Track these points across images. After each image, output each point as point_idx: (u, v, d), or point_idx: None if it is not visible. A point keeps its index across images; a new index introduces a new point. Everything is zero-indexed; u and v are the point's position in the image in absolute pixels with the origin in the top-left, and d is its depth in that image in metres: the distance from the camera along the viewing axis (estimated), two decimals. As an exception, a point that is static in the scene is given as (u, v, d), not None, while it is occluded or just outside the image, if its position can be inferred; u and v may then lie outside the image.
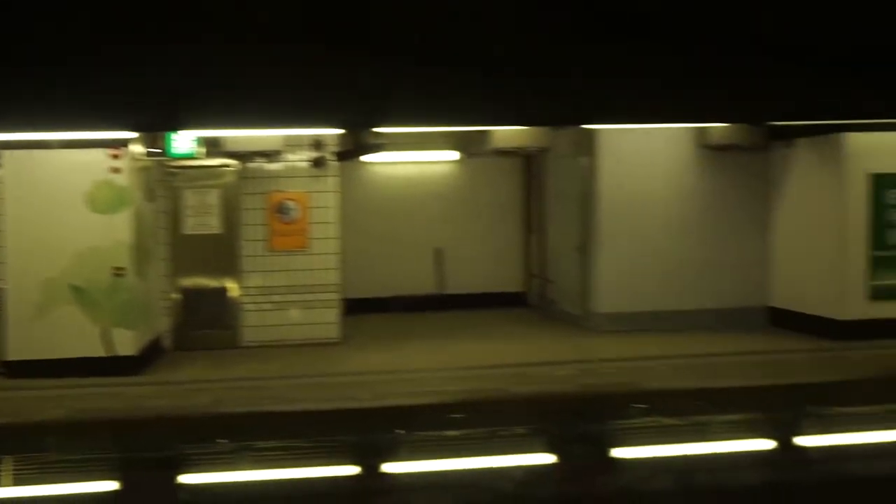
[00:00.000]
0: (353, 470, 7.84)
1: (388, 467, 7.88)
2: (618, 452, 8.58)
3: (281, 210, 11.91)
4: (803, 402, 9.04)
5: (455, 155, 14.68)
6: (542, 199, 14.72)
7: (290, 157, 11.93)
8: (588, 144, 12.52)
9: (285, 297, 11.86)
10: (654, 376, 9.77)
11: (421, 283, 14.73)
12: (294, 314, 11.87)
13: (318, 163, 11.93)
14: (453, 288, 14.75)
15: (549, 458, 8.37)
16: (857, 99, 8.13)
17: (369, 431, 8.44)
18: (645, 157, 12.54)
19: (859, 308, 11.50)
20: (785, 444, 8.84)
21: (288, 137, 11.60)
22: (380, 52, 7.27)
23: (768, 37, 6.83)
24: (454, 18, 7.19)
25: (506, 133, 12.33)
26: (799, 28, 6.72)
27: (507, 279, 15.05)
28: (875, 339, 11.17)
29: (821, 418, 8.93)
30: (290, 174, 11.94)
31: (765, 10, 6.45)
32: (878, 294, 11.51)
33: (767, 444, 8.86)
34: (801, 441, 8.88)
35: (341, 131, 11.10)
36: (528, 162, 14.91)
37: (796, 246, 12.34)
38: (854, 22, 6.59)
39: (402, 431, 8.38)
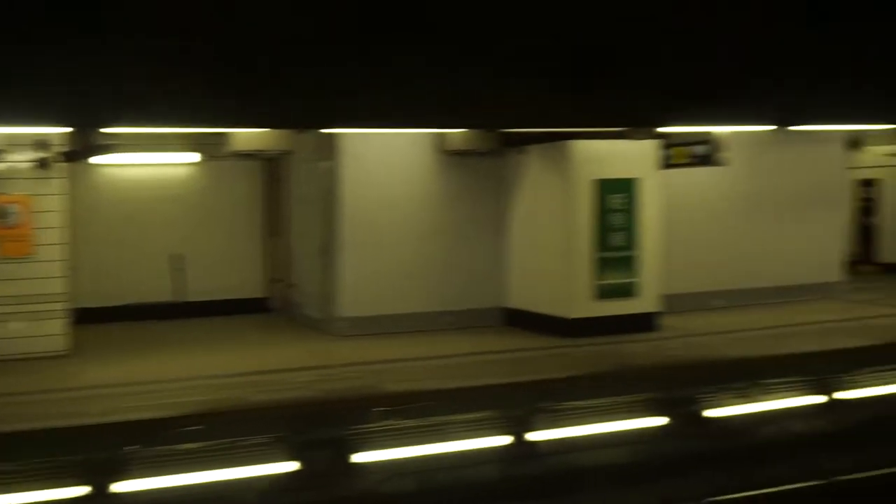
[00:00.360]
0: (81, 491, 7.38)
1: (121, 486, 7.49)
2: (359, 457, 8.60)
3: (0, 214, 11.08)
4: (535, 398, 9.43)
5: (195, 157, 14.22)
6: (285, 202, 14.56)
7: (11, 157, 11.09)
8: (330, 148, 12.50)
9: (5, 308, 11.01)
10: (395, 378, 9.89)
11: (160, 290, 14.15)
12: (15, 326, 11.03)
13: (42, 164, 11.18)
14: (194, 295, 14.27)
15: (290, 466, 8.25)
16: (584, 108, 8.56)
17: (99, 449, 7.98)
18: (387, 161, 12.68)
19: (586, 306, 12.18)
20: (519, 439, 9.20)
21: (8, 136, 10.79)
22: (109, 46, 6.89)
23: (500, 46, 7.04)
24: (193, 13, 6.92)
25: (246, 135, 12.08)
26: (529, 38, 6.96)
27: (249, 285, 14.76)
28: (600, 335, 11.88)
29: (551, 413, 9.35)
30: (11, 175, 11.11)
31: (497, 19, 6.64)
32: (603, 293, 12.24)
33: (503, 440, 9.18)
34: (533, 436, 9.27)
35: (68, 130, 10.45)
36: (270, 165, 14.70)
37: (529, 248, 12.90)
38: (581, 34, 6.91)
39: (136, 447, 7.99)
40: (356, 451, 8.62)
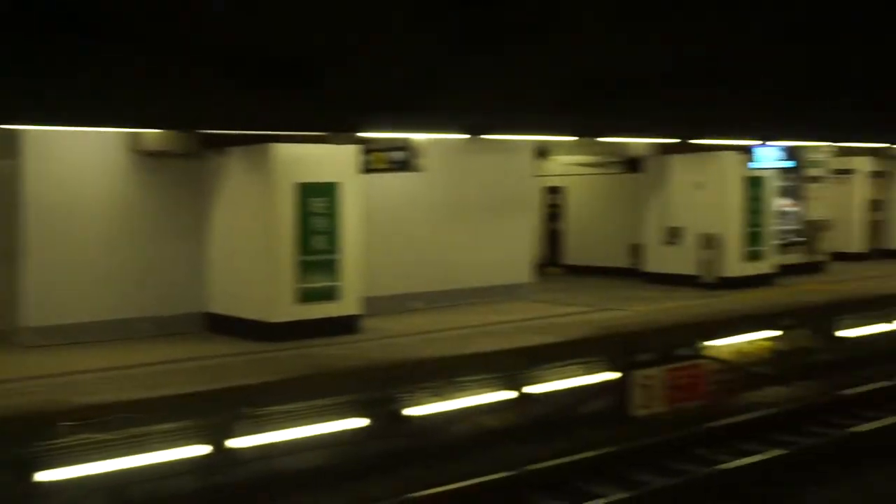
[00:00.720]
0: None
1: None
2: (43, 475, 8.07)
3: None
4: (236, 405, 9.29)
5: None
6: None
7: None
8: (12, 146, 11.64)
9: None
10: (87, 390, 9.36)
11: None
12: None
13: None
14: None
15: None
16: (284, 111, 8.54)
17: None
18: (75, 161, 11.98)
19: (288, 310, 12.14)
20: (219, 448, 9.02)
21: None
22: None
23: (190, 45, 6.84)
24: None
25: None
26: (221, 39, 6.81)
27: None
28: (303, 338, 11.87)
29: (251, 419, 9.25)
30: None
31: (189, 18, 6.42)
32: (305, 296, 12.25)
33: (203, 450, 8.97)
34: (234, 443, 9.13)
35: None
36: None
37: (231, 252, 12.67)
38: (278, 37, 6.85)
39: None
40: (40, 469, 8.09)
